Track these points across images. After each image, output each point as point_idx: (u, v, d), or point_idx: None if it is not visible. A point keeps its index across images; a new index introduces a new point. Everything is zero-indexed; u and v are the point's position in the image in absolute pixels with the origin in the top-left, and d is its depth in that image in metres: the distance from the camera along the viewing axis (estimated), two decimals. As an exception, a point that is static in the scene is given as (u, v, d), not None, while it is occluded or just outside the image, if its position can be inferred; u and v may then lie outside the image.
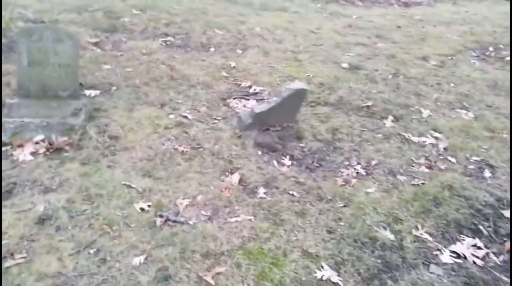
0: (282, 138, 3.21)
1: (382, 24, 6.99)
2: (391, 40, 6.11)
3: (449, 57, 5.56)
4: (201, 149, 2.95)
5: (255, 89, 4.11)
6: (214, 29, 5.64)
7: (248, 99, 3.93)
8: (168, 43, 5.05)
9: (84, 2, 5.95)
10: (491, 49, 6.08)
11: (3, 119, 2.75)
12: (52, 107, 2.92)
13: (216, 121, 3.42)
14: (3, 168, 2.46)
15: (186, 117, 3.39)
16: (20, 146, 2.64)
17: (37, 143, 2.67)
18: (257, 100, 3.90)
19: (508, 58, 5.72)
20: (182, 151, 2.89)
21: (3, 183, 2.36)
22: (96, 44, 4.69)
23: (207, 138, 3.08)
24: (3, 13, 4.33)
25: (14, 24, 4.54)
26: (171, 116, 3.36)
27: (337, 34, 6.16)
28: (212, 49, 5.05)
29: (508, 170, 3.06)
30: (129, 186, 2.46)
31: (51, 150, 2.66)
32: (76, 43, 3.00)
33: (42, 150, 2.63)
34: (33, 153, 2.62)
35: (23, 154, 2.58)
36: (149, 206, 2.33)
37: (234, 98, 3.93)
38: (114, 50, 4.65)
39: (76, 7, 5.77)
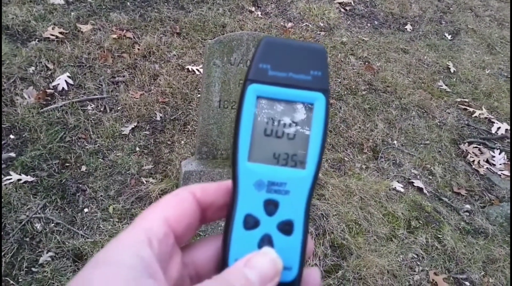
0: None
1: None
2: None
3: None
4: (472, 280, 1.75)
5: (498, 128, 2.67)
6: (405, -12, 3.99)
7: (493, 149, 2.53)
8: (347, 9, 3.57)
9: None
10: None
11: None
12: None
13: (463, 203, 2.14)
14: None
15: (419, 188, 2.13)
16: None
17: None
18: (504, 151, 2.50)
19: None
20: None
21: None
22: (255, 3, 3.34)
23: (469, 256, 1.85)
24: None
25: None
26: (396, 183, 2.11)
27: None
28: (409, 28, 3.52)
29: None
30: None
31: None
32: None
33: None
34: None
35: None
36: None
37: (469, 143, 2.54)
38: (279, 16, 3.30)
39: None
